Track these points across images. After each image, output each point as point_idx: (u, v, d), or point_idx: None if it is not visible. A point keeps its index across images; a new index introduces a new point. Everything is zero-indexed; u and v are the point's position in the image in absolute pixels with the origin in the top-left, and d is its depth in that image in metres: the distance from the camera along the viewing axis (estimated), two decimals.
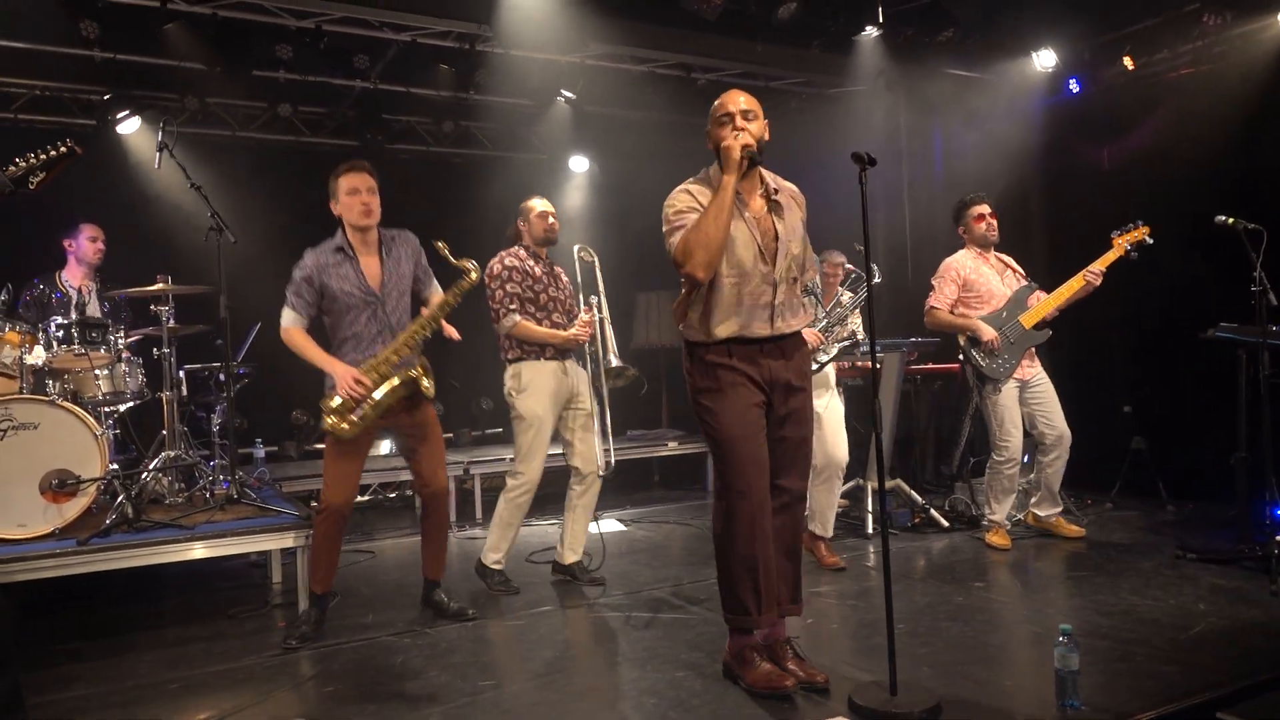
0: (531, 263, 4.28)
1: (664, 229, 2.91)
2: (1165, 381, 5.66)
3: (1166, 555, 4.37)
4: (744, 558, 2.87)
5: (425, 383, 3.60)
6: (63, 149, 3.00)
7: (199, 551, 3.85)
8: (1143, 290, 5.63)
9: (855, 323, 5.93)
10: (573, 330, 4.25)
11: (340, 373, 3.47)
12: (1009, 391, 4.72)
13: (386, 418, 3.59)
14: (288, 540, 4.01)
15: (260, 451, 6.11)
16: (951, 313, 4.86)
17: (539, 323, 4.20)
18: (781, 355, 2.97)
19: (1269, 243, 4.12)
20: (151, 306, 4.70)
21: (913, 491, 5.39)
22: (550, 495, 6.17)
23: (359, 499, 6.54)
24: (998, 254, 4.97)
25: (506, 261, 4.25)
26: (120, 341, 4.54)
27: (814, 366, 4.41)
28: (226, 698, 3.04)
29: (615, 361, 4.39)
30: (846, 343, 4.67)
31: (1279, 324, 4.21)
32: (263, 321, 6.38)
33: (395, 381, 3.52)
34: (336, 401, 3.47)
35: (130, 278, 4.93)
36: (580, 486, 4.37)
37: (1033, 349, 4.80)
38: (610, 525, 5.71)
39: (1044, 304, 4.74)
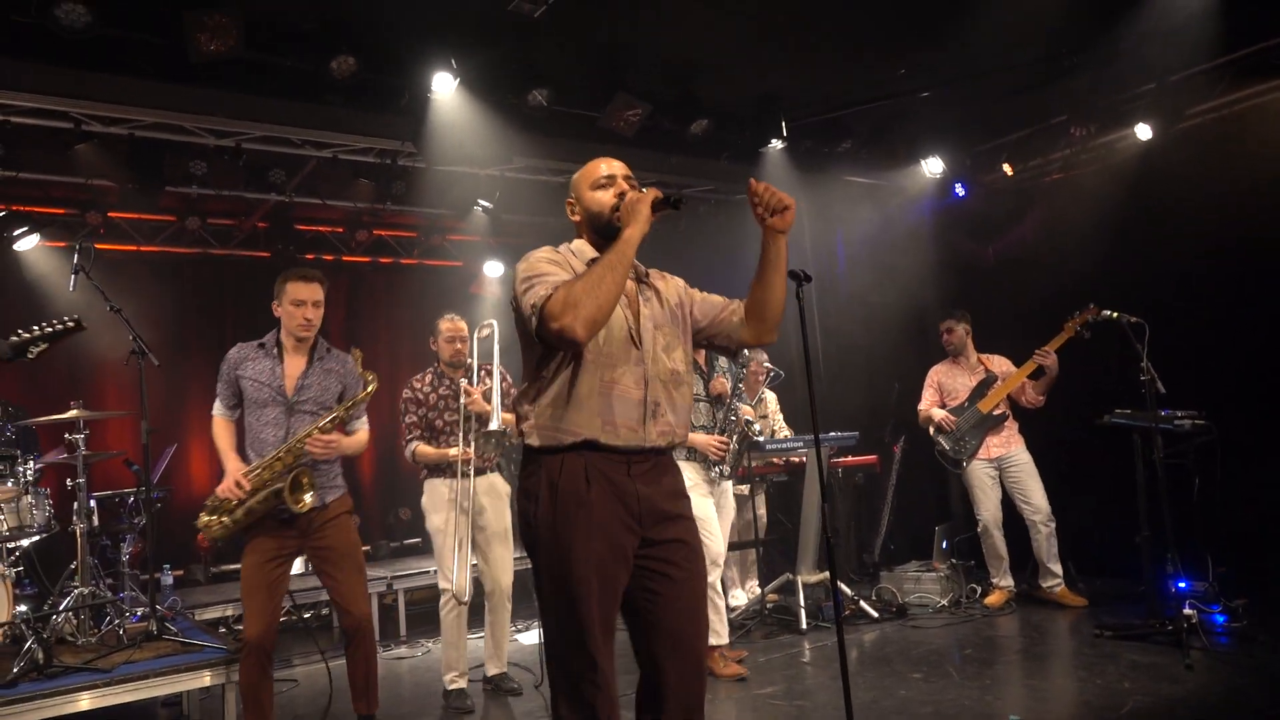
0: (429, 389, 4.33)
1: (519, 288, 2.25)
2: (1068, 464, 5.99)
3: (1085, 634, 4.58)
4: None
5: (289, 494, 3.29)
6: (69, 323, 3.06)
7: (122, 696, 3.55)
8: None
9: (778, 421, 6.14)
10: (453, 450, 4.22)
11: (229, 470, 3.36)
12: (978, 469, 5.33)
13: (283, 533, 3.41)
14: (205, 679, 3.72)
15: (168, 577, 5.80)
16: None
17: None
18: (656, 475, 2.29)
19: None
20: (65, 434, 4.45)
21: (841, 583, 5.49)
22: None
23: None
24: (980, 354, 5.56)
25: (404, 394, 4.35)
26: (29, 473, 4.29)
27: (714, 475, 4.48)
28: None
29: (493, 425, 4.13)
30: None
31: (1166, 409, 4.57)
32: (176, 442, 6.17)
33: (267, 490, 3.34)
34: (212, 499, 3.36)
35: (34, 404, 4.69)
36: (488, 603, 4.37)
37: (1015, 430, 5.39)
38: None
39: (998, 390, 5.33)
